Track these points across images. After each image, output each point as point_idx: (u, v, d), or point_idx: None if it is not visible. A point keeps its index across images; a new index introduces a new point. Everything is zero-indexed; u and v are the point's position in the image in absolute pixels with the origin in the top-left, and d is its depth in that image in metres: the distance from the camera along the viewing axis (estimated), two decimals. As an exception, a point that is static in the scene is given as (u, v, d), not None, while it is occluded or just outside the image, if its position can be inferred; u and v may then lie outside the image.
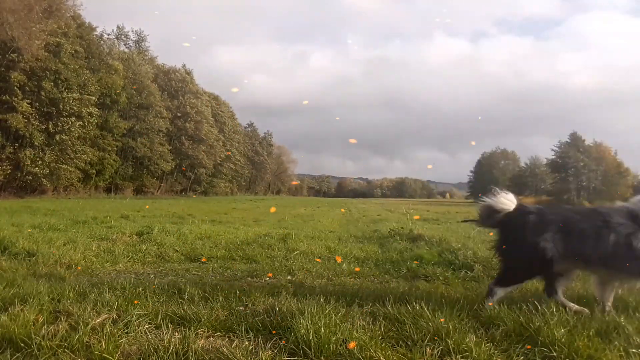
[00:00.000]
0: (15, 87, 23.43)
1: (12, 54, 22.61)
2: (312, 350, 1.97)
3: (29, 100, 24.20)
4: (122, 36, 40.73)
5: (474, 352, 1.99)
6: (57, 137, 25.23)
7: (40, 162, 24.55)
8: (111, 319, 2.24)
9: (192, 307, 2.54)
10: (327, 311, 2.36)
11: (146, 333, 2.13)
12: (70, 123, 25.52)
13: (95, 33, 33.45)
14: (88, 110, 26.94)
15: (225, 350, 1.95)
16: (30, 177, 24.75)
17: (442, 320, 2.30)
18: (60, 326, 2.11)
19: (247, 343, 2.06)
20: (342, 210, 10.56)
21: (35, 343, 1.92)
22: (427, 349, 2.02)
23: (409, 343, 2.11)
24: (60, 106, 25.24)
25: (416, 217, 12.82)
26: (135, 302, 2.57)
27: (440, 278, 3.95)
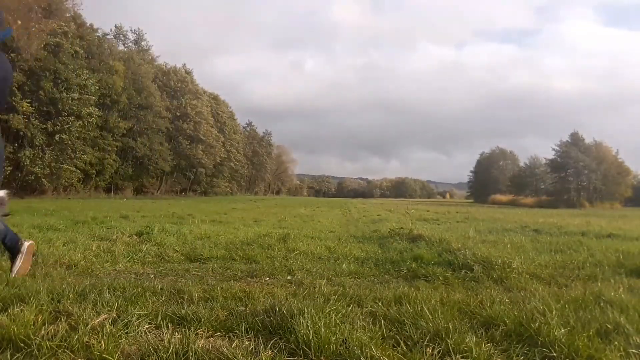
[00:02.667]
0: (14, 87, 23.41)
1: (11, 54, 22.58)
2: (312, 350, 1.97)
3: (28, 100, 24.20)
4: (121, 35, 40.70)
5: (474, 352, 1.99)
6: (57, 136, 25.22)
7: (40, 162, 24.54)
8: (111, 319, 2.24)
9: (192, 307, 2.54)
10: (327, 311, 2.36)
11: (146, 333, 2.13)
12: (70, 122, 25.52)
13: (97, 34, 33.45)
14: (87, 111, 26.93)
15: (225, 350, 1.95)
16: (31, 177, 24.75)
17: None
18: (60, 326, 2.10)
19: (247, 343, 2.06)
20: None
21: (35, 343, 1.92)
22: (428, 349, 2.02)
23: (409, 343, 2.11)
24: (60, 106, 25.25)
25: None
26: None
27: (440, 278, 3.95)
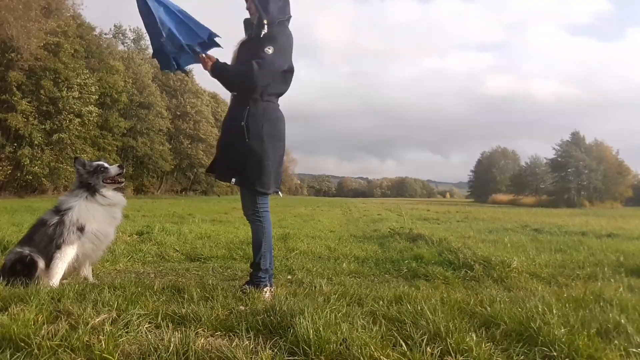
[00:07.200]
0: (13, 87, 23.39)
1: (10, 53, 22.57)
2: (312, 349, 1.97)
3: (28, 99, 24.17)
4: (120, 35, 40.60)
5: (474, 352, 1.99)
6: (56, 136, 25.17)
7: (39, 161, 24.49)
8: (111, 318, 2.23)
9: (193, 306, 2.54)
10: (327, 311, 2.36)
11: (146, 333, 2.13)
12: (69, 120, 25.47)
13: (95, 33, 33.39)
14: (88, 109, 26.89)
15: (225, 349, 1.95)
16: (30, 177, 24.72)
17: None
18: (60, 326, 2.10)
19: (247, 342, 2.05)
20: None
21: (36, 342, 1.91)
22: (428, 348, 2.02)
23: (409, 342, 2.10)
24: (60, 105, 25.21)
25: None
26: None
27: (440, 277, 3.95)
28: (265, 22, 2.99)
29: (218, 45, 3.29)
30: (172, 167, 42.48)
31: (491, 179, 74.02)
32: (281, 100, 3.22)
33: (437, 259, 4.75)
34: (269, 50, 2.93)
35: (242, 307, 2.60)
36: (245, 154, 3.01)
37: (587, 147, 53.58)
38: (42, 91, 24.55)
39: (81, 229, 3.13)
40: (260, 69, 2.91)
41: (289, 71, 3.08)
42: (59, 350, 1.89)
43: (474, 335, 2.15)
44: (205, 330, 2.21)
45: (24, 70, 23.79)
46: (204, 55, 3.16)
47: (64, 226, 3.09)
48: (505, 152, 79.15)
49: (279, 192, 3.28)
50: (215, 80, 3.12)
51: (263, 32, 3.00)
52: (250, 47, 3.06)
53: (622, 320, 2.36)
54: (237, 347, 1.98)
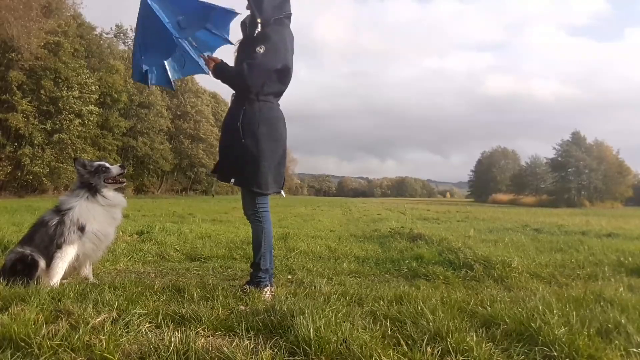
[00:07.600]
0: (14, 87, 23.40)
1: (11, 53, 22.57)
2: (313, 349, 1.97)
3: (29, 99, 24.18)
4: (121, 34, 40.57)
5: (474, 351, 1.99)
6: (56, 136, 25.18)
7: (39, 161, 24.49)
8: (111, 318, 2.24)
9: (193, 306, 2.54)
10: (327, 310, 2.36)
11: (146, 332, 2.13)
12: (69, 120, 25.48)
13: (95, 33, 33.38)
14: (88, 109, 26.90)
15: (225, 349, 1.95)
16: (30, 177, 24.73)
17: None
18: (61, 325, 2.10)
19: (247, 342, 2.05)
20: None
21: (36, 342, 1.92)
22: (428, 348, 2.02)
23: (409, 342, 2.10)
24: (60, 104, 25.22)
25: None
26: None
27: (441, 277, 3.95)
28: (258, 21, 3.00)
29: (229, 42, 3.29)
30: (173, 166, 42.51)
31: (491, 179, 74.03)
32: (281, 100, 3.22)
33: (437, 259, 4.75)
34: (260, 50, 2.92)
35: (242, 307, 2.60)
36: (242, 154, 3.02)
37: (588, 147, 53.55)
38: (42, 91, 24.57)
39: (82, 229, 3.13)
40: (250, 69, 2.92)
41: (285, 70, 3.06)
42: (59, 350, 1.90)
43: (474, 335, 2.15)
44: (206, 330, 2.21)
45: (25, 70, 23.82)
46: (206, 56, 3.17)
47: (65, 226, 3.10)
48: (505, 152, 79.14)
49: (282, 192, 3.27)
50: (216, 80, 3.13)
51: (256, 32, 3.01)
52: (245, 47, 3.07)
53: (623, 320, 2.36)
54: (237, 347, 1.98)
